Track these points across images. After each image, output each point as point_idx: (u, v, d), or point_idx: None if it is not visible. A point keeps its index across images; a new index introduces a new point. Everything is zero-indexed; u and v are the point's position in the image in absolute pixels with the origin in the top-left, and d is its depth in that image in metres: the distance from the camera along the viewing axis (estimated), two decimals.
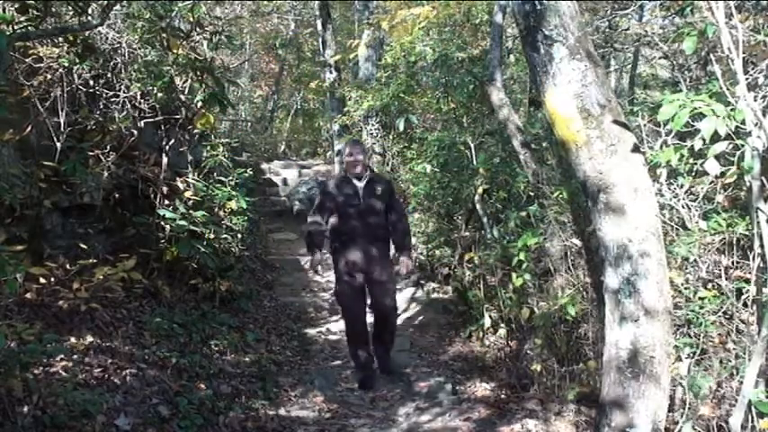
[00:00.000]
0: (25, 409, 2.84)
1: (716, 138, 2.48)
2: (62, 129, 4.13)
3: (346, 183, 4.73)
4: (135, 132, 4.79)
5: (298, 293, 7.43)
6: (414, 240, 7.61)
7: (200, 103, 5.03)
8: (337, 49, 11.48)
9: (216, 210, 5.72)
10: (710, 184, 3.06)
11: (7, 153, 3.86)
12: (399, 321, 6.47)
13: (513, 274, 4.47)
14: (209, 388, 3.93)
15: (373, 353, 4.82)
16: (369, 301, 4.84)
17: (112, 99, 4.66)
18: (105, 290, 4.09)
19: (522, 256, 4.31)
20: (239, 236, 6.14)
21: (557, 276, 4.25)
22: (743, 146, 2.53)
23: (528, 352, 4.44)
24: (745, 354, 2.77)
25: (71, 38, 4.05)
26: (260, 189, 11.08)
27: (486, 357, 4.99)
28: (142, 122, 4.88)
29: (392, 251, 4.89)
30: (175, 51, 4.82)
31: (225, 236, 5.65)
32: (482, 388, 4.49)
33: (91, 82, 4.55)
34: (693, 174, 3.09)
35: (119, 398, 3.34)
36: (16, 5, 3.13)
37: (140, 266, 4.56)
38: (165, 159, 5.13)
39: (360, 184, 4.68)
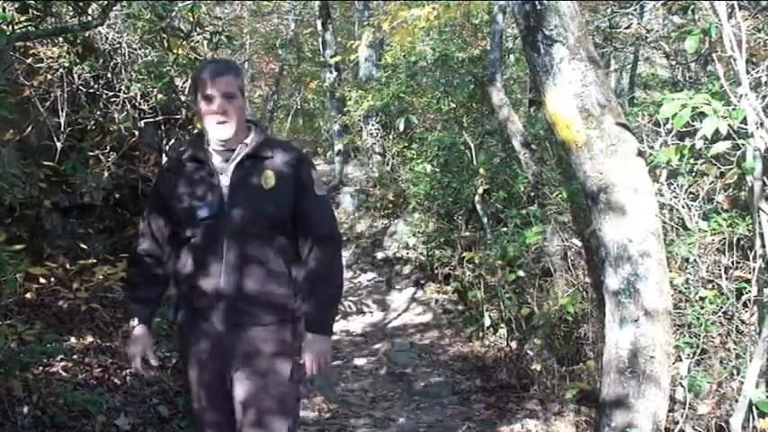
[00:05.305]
0: (25, 409, 2.84)
1: (716, 137, 2.48)
2: (62, 129, 4.13)
3: (200, 165, 2.11)
4: (135, 132, 4.79)
5: None
6: (413, 241, 7.55)
7: None
8: (337, 49, 11.48)
9: None
10: (710, 184, 3.06)
11: (7, 153, 3.86)
12: (400, 322, 6.48)
13: (507, 270, 4.48)
14: None
15: None
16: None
17: (112, 99, 4.66)
18: (105, 290, 4.09)
19: (513, 250, 4.31)
20: None
21: (557, 276, 4.24)
22: (743, 145, 2.52)
23: (528, 352, 4.44)
24: (745, 354, 2.77)
25: (71, 38, 4.04)
26: None
27: (486, 357, 4.98)
28: (142, 122, 4.87)
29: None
30: (175, 51, 4.81)
31: None
32: (482, 388, 4.49)
33: (91, 82, 4.55)
34: (693, 174, 3.09)
35: (119, 398, 3.34)
36: (16, 5, 3.13)
37: None
38: (165, 159, 5.13)
39: (226, 169, 2.08)
